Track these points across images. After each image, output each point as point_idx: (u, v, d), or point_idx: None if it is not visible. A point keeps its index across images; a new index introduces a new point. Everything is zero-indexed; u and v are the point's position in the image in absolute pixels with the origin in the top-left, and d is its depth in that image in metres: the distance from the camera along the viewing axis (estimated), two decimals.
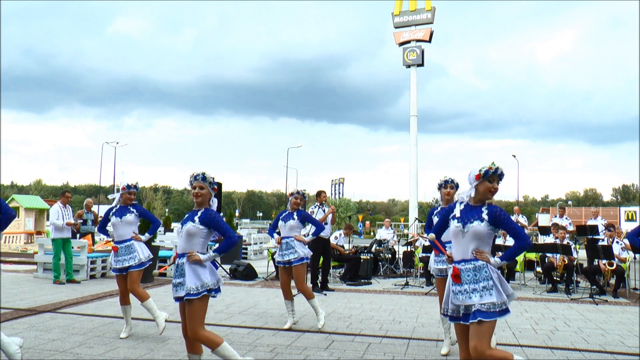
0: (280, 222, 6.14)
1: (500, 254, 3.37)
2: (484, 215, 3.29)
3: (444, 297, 3.46)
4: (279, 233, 6.26)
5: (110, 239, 5.84)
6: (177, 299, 3.80)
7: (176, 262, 3.82)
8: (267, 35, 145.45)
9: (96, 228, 6.02)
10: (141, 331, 5.82)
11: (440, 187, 5.25)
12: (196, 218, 3.80)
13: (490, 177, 3.34)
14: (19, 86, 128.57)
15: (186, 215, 3.94)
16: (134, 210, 5.65)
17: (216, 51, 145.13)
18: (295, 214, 6.11)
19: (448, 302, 3.39)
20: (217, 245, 3.84)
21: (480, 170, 3.35)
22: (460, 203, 3.47)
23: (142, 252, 5.54)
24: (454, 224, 3.39)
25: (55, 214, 9.70)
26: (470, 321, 3.19)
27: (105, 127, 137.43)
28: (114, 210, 5.68)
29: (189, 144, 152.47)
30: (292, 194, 6.19)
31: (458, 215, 3.40)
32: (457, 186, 5.25)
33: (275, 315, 6.97)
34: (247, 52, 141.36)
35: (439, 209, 5.27)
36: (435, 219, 5.23)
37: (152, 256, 5.72)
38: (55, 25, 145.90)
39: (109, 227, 6.06)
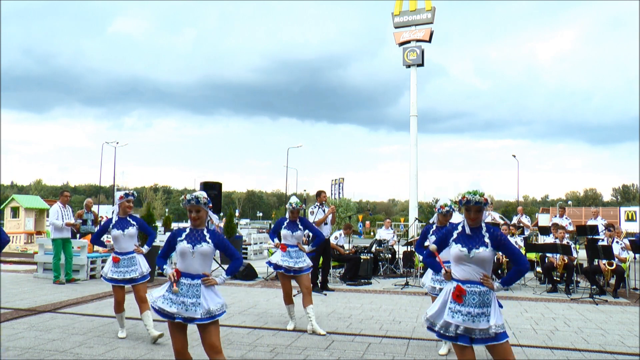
0: (286, 232, 6.25)
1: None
2: (487, 240, 3.36)
3: (435, 311, 3.42)
4: (279, 239, 6.40)
5: (108, 249, 5.77)
6: (185, 319, 3.57)
7: (188, 282, 3.62)
8: (267, 35, 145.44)
9: (91, 239, 5.89)
10: (141, 331, 5.81)
11: (439, 213, 5.28)
12: (208, 239, 3.73)
13: (466, 207, 3.39)
14: (19, 86, 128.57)
15: (185, 233, 3.76)
16: (135, 223, 5.68)
17: (216, 51, 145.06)
18: (299, 223, 6.30)
19: (440, 317, 3.37)
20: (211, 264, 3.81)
21: (456, 198, 3.44)
22: (458, 225, 3.52)
23: (143, 265, 5.62)
24: (457, 248, 3.40)
25: (55, 214, 9.70)
26: (493, 343, 3.24)
27: (105, 127, 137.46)
28: (113, 222, 5.64)
29: (189, 144, 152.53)
30: (288, 208, 6.30)
31: (459, 238, 3.43)
32: (454, 210, 5.36)
33: (275, 315, 6.97)
34: (247, 52, 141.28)
35: (434, 227, 5.35)
36: (433, 238, 5.22)
37: (150, 269, 5.79)
38: (56, 25, 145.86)
39: (104, 238, 5.93)
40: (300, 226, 6.28)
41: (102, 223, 5.93)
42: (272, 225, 6.78)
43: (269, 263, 6.31)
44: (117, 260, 5.50)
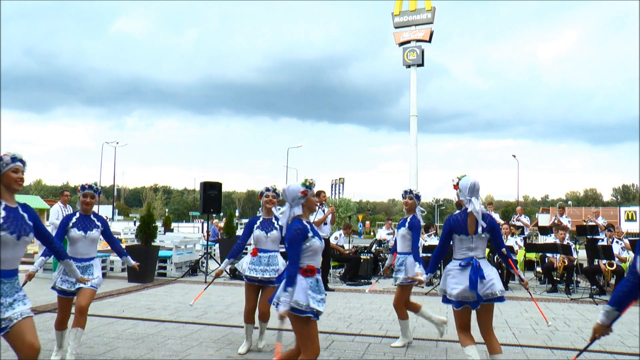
0: (259, 233, 4.96)
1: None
2: None
3: (462, 288, 3.77)
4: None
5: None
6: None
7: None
8: (269, 35, 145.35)
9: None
10: (141, 331, 5.82)
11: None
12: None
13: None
14: (21, 86, 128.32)
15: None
16: (100, 225, 4.60)
17: (218, 51, 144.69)
18: (275, 222, 5.02)
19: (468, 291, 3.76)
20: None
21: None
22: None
23: (97, 274, 4.52)
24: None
25: (55, 214, 9.71)
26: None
27: (107, 127, 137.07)
28: (74, 219, 4.52)
29: (190, 144, 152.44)
30: (262, 194, 5.11)
31: None
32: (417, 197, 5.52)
33: (274, 315, 6.96)
34: (249, 52, 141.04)
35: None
36: None
37: (102, 282, 4.61)
38: (57, 25, 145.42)
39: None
40: (277, 225, 4.95)
41: (60, 220, 4.63)
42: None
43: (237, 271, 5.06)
44: None
